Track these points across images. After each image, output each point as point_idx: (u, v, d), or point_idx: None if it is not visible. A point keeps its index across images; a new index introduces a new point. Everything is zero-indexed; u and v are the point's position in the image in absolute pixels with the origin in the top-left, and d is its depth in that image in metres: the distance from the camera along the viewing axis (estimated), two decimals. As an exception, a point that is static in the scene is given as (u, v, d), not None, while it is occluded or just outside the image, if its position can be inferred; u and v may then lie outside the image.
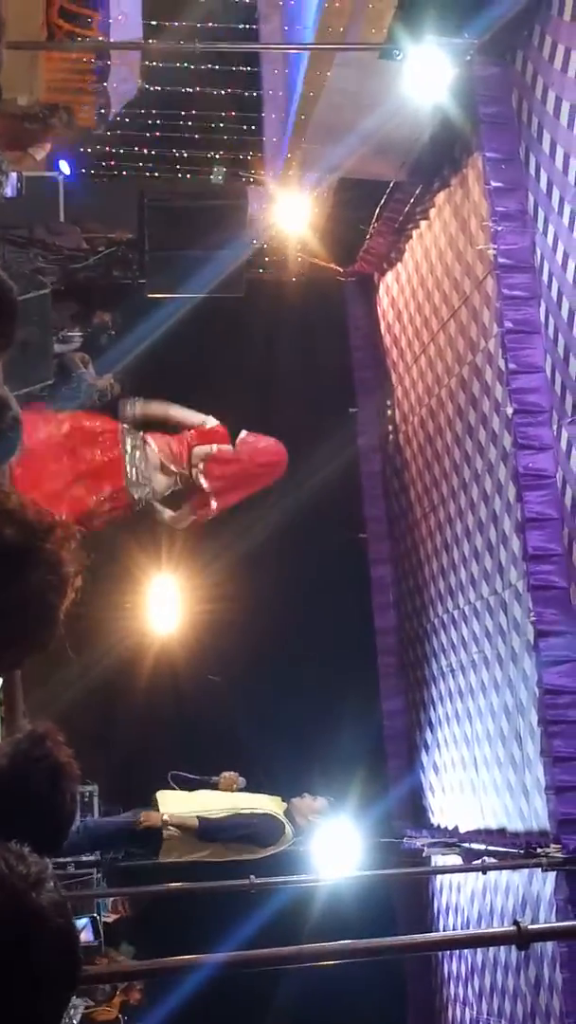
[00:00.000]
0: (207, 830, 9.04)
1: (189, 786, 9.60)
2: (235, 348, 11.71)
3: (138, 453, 9.38)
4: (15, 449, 3.55)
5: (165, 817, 9.01)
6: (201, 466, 9.66)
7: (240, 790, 9.70)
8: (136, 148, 13.35)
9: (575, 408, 8.25)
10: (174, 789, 9.56)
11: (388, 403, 12.63)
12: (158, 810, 9.15)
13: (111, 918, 11.22)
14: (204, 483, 9.67)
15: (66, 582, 2.41)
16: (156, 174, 13.12)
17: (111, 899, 11.29)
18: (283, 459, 9.91)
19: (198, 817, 9.06)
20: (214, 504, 9.88)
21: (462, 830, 10.45)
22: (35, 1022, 1.71)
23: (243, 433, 9.98)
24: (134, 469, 9.37)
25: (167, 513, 10.07)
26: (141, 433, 9.69)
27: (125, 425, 9.64)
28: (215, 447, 9.82)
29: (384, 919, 10.53)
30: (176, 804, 9.22)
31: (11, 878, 1.71)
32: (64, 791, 2.83)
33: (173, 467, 9.55)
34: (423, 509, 11.59)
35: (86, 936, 9.59)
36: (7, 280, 3.30)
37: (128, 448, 9.39)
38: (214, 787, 9.65)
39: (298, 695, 11.65)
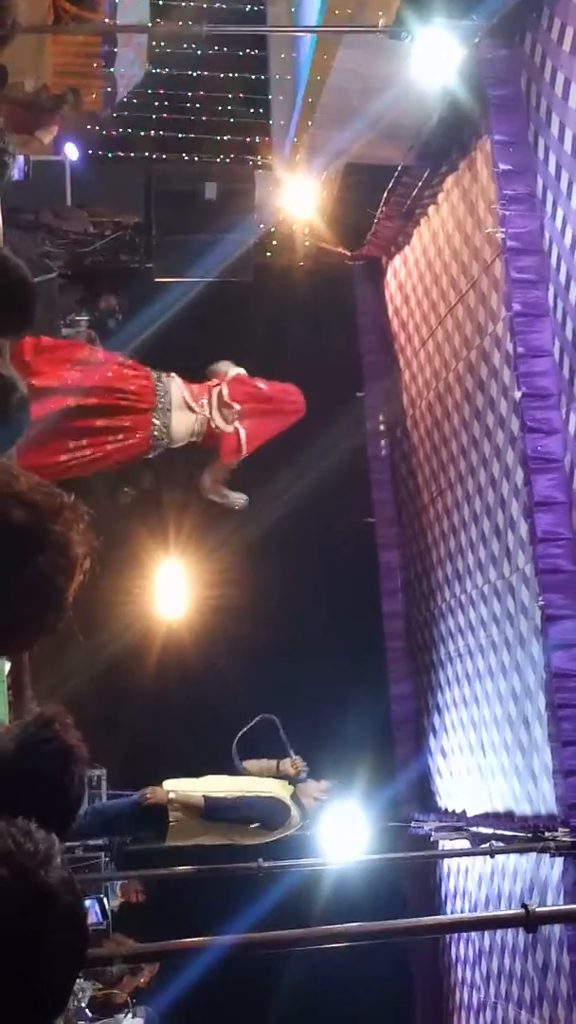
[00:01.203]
0: (213, 809, 9.04)
1: (270, 754, 9.59)
2: (242, 332, 11.69)
3: (160, 385, 9.23)
4: (23, 430, 3.55)
5: (171, 795, 9.02)
6: (224, 389, 9.47)
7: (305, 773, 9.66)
8: (143, 131, 13.34)
9: (583, 392, 8.24)
10: (181, 777, 9.55)
11: (396, 387, 12.61)
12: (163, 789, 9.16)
13: (118, 904, 11.23)
14: (227, 404, 9.42)
15: (75, 564, 2.40)
16: (164, 157, 13.10)
17: (119, 885, 11.29)
18: (301, 398, 9.81)
19: (204, 796, 9.06)
20: (242, 433, 9.56)
21: (470, 814, 10.46)
22: (44, 1000, 1.71)
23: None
24: (158, 399, 9.22)
25: (206, 478, 9.84)
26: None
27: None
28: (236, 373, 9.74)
29: (392, 903, 10.54)
30: (184, 786, 9.23)
31: (19, 856, 1.71)
32: (73, 774, 2.82)
33: (195, 407, 9.37)
34: (431, 493, 11.58)
35: (93, 918, 9.60)
36: (22, 266, 3.30)
37: (154, 377, 9.25)
38: (275, 768, 9.63)
39: (306, 680, 11.64)
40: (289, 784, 9.42)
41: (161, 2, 13.05)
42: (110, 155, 13.27)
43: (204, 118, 13.40)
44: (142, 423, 9.06)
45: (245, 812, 9.11)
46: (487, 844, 9.30)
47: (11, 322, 3.59)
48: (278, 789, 9.37)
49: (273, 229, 12.52)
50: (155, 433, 9.11)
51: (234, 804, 9.09)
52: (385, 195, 11.65)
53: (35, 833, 1.76)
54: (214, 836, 9.13)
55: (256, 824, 9.11)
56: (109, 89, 13.96)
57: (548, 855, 8.33)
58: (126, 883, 11.31)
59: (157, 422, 9.11)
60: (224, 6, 13.05)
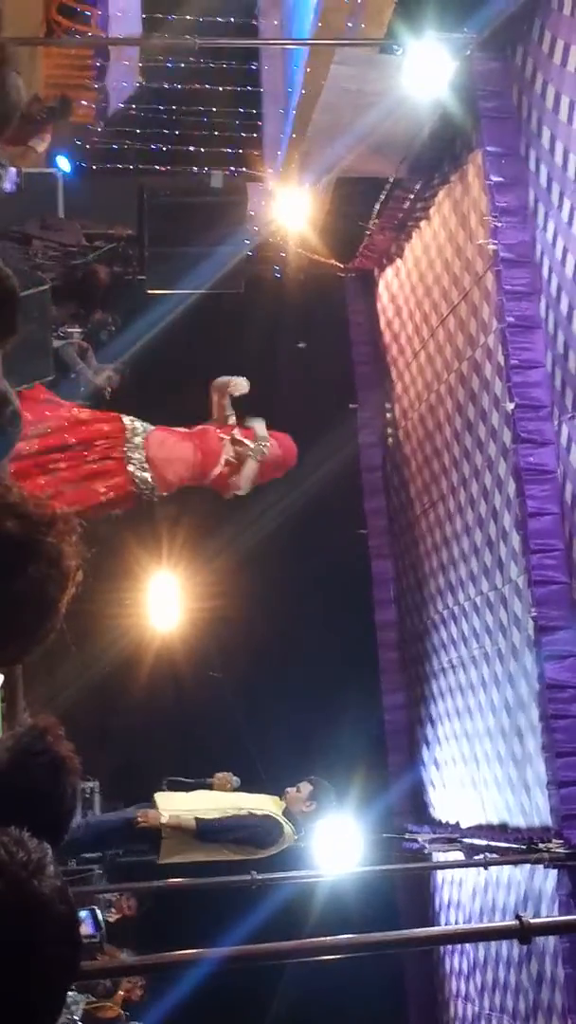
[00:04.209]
0: (205, 831, 9.02)
1: (185, 789, 9.58)
2: (235, 344, 11.70)
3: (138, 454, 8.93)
4: (14, 443, 3.55)
5: (164, 818, 8.99)
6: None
7: (235, 789, 9.67)
8: (135, 144, 13.35)
9: (575, 403, 8.24)
10: (171, 791, 9.54)
11: (388, 399, 12.63)
12: (157, 810, 9.13)
13: (113, 917, 11.21)
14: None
15: (67, 576, 2.40)
16: (157, 168, 13.12)
17: (115, 898, 11.28)
18: (293, 453, 9.69)
19: (196, 818, 9.03)
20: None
21: (463, 826, 10.45)
22: (36, 1012, 1.70)
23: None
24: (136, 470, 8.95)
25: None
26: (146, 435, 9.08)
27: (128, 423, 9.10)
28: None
29: (386, 915, 10.52)
30: (175, 805, 9.20)
31: (12, 866, 1.70)
32: (66, 785, 2.82)
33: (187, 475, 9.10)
34: (423, 505, 11.59)
35: (86, 929, 9.58)
36: (5, 269, 3.31)
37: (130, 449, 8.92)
38: (209, 788, 9.63)
39: (299, 691, 11.65)
40: (280, 800, 9.40)
41: (154, 15, 13.07)
42: (103, 167, 13.29)
43: (196, 132, 13.42)
44: (116, 436, 8.76)
45: (239, 833, 9.09)
46: (481, 856, 9.29)
47: None
48: (270, 805, 9.34)
49: (269, 239, 12.53)
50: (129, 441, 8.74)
51: (227, 826, 9.06)
52: (377, 207, 11.67)
53: (27, 842, 1.76)
54: (208, 853, 9.11)
55: (249, 844, 9.09)
56: (103, 106, 13.98)
57: (542, 867, 8.33)
58: (118, 896, 11.29)
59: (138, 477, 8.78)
60: (217, 19, 13.07)
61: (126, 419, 8.74)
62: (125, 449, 8.54)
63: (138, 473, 8.53)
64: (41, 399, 8.57)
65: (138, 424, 8.72)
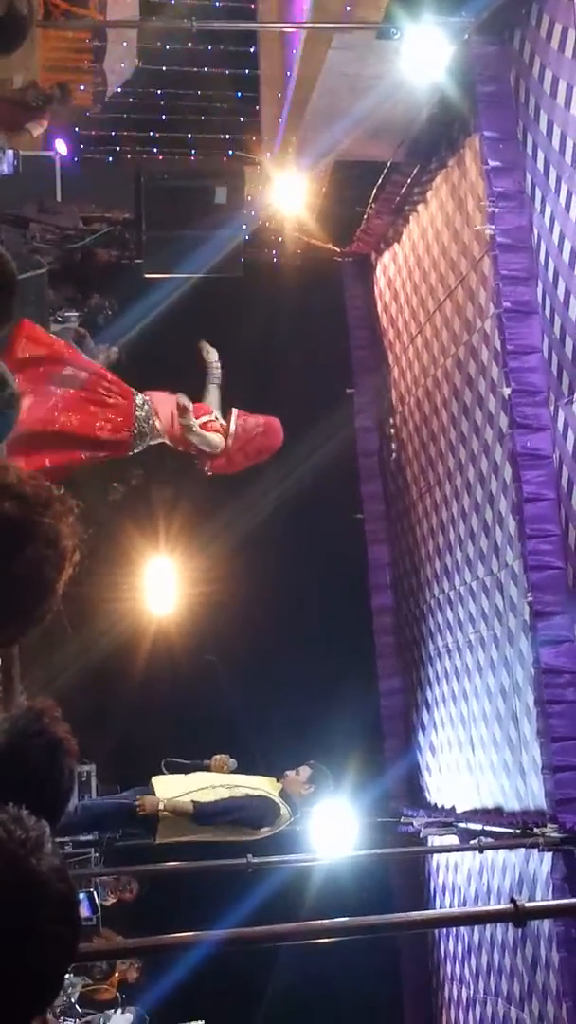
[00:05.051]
0: (203, 814, 9.03)
1: (183, 771, 9.60)
2: (232, 328, 11.67)
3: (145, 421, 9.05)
4: (12, 425, 3.55)
5: (161, 806, 9.01)
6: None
7: (232, 771, 9.70)
8: (133, 128, 13.33)
9: (572, 388, 8.24)
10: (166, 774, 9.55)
11: (385, 383, 12.62)
12: (155, 794, 9.15)
13: (109, 901, 11.22)
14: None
15: (64, 556, 2.40)
16: (154, 152, 13.09)
17: (110, 880, 11.28)
18: (278, 436, 9.67)
19: (193, 802, 9.05)
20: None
21: (459, 810, 10.47)
22: (35, 990, 1.71)
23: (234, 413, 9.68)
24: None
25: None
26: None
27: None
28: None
29: (381, 899, 10.54)
30: (172, 788, 9.21)
31: (10, 844, 1.71)
32: (62, 767, 2.83)
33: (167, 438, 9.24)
34: (419, 489, 11.59)
35: (83, 912, 9.60)
36: (5, 254, 3.31)
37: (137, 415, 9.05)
38: (207, 770, 9.65)
39: (295, 675, 11.65)
40: (276, 781, 9.41)
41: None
42: (100, 151, 13.26)
43: (193, 115, 13.39)
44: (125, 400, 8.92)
45: (235, 814, 9.11)
46: (476, 840, 9.33)
47: None
48: (266, 786, 9.36)
49: (267, 224, 12.51)
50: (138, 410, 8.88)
51: (224, 808, 9.08)
52: (374, 192, 11.65)
53: (25, 819, 1.76)
54: (204, 835, 9.13)
55: (246, 825, 9.11)
56: (100, 90, 13.94)
57: (537, 851, 8.35)
58: (114, 879, 11.30)
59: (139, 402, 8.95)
60: (215, 3, 13.04)
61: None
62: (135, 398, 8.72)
63: (141, 412, 8.69)
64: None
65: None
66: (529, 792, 8.89)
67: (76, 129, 13.03)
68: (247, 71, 13.46)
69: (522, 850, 8.74)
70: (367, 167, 11.55)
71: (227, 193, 11.27)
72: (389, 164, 11.19)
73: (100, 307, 11.44)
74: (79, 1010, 10.01)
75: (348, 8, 9.95)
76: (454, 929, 10.59)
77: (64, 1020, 9.49)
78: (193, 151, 13.28)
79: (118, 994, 10.70)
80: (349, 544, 12.85)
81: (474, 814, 10.05)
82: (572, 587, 8.36)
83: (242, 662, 11.64)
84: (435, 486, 11.11)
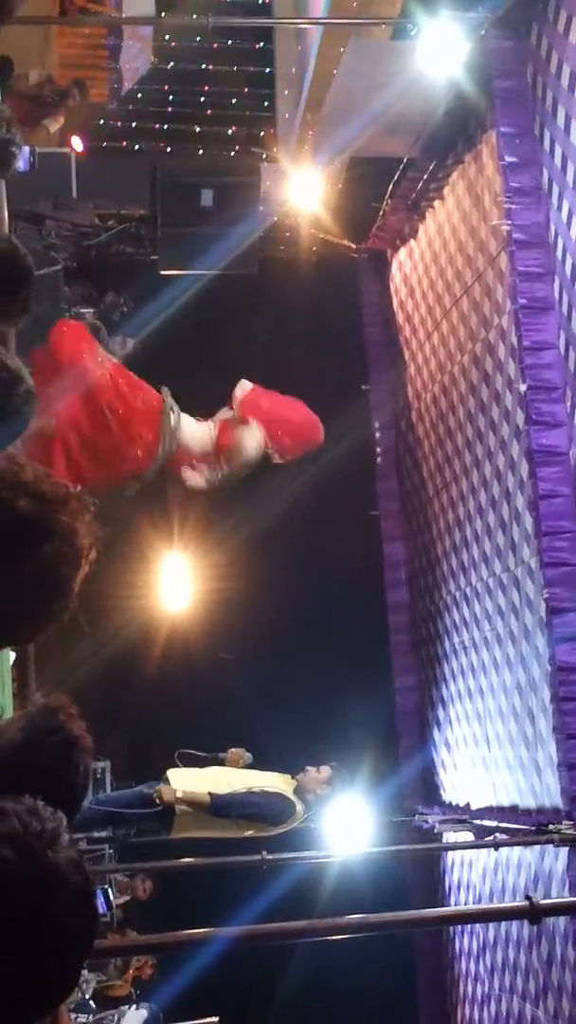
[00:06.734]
0: (219, 806, 9.06)
1: (198, 763, 9.62)
2: (248, 325, 11.68)
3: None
4: (28, 423, 3.55)
5: (179, 794, 9.03)
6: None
7: (247, 766, 9.72)
8: (149, 124, 13.33)
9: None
10: (181, 767, 9.57)
11: (401, 380, 12.60)
12: (171, 786, 9.17)
13: (121, 900, 11.23)
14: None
15: (80, 554, 2.40)
16: (169, 150, 13.10)
17: (124, 878, 11.30)
18: (318, 432, 9.69)
19: (210, 793, 9.08)
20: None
21: (474, 807, 10.46)
22: (52, 983, 1.71)
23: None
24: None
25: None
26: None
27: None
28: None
29: (396, 896, 10.53)
30: (188, 781, 9.24)
31: (27, 837, 1.70)
32: (78, 764, 2.83)
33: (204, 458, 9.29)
34: (436, 486, 11.58)
35: (98, 908, 9.60)
36: (21, 247, 3.32)
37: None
38: (221, 764, 9.67)
39: (310, 672, 11.65)
40: (291, 778, 9.43)
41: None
42: (116, 147, 13.27)
43: (209, 111, 13.39)
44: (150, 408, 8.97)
45: (251, 809, 9.14)
46: (491, 837, 9.31)
47: (11, 309, 3.64)
48: (281, 784, 9.38)
49: (285, 221, 12.50)
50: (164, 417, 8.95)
51: (240, 801, 9.11)
52: (390, 188, 11.63)
53: (42, 812, 1.76)
54: (219, 830, 9.15)
55: (261, 820, 9.13)
56: (116, 86, 13.96)
57: (552, 847, 8.34)
58: (131, 878, 11.32)
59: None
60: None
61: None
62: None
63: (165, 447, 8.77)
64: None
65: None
66: (544, 789, 8.88)
67: (92, 125, 13.04)
68: (263, 68, 13.46)
69: (537, 847, 8.74)
70: (383, 163, 11.53)
71: (212, 196, 11.27)
72: (405, 160, 11.17)
73: (115, 304, 11.44)
74: (92, 1006, 10.02)
75: (365, 3, 9.93)
76: (469, 926, 10.59)
77: (77, 1016, 9.50)
78: (208, 148, 13.27)
79: (132, 990, 10.72)
80: (365, 541, 12.83)
81: (489, 811, 10.03)
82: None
83: (256, 659, 11.63)
84: (451, 482, 11.10)
